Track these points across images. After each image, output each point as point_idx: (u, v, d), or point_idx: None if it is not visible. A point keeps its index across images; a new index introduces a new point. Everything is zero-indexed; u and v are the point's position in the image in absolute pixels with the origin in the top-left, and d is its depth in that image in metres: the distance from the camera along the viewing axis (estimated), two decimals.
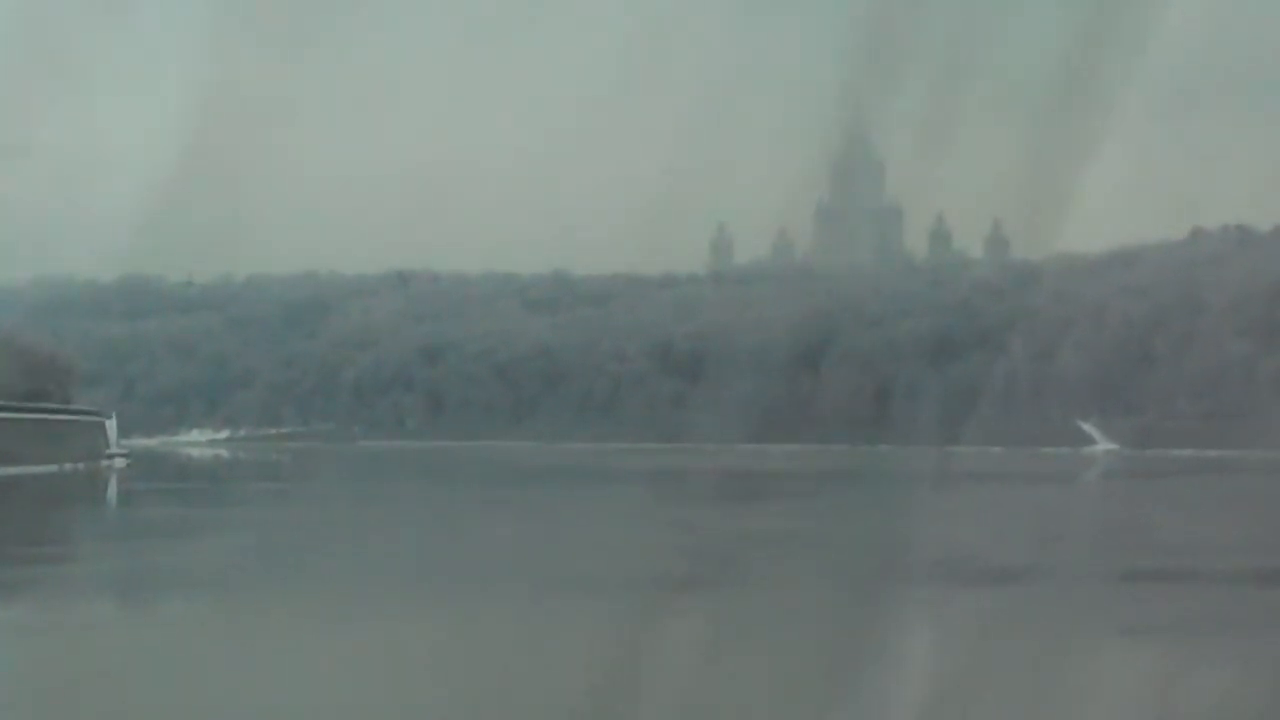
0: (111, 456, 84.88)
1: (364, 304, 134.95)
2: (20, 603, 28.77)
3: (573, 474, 79.49)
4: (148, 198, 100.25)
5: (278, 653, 22.76)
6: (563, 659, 19.83)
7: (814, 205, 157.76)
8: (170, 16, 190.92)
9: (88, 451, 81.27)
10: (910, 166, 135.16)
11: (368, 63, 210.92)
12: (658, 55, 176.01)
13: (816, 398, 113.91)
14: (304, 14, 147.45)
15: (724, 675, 18.44)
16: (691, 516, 46.88)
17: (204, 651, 22.24)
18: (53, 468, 74.72)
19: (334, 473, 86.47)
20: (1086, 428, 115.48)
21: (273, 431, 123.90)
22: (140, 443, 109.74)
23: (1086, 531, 44.42)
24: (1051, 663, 19.96)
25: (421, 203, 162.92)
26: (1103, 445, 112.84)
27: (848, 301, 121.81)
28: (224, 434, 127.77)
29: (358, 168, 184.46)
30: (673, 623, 22.39)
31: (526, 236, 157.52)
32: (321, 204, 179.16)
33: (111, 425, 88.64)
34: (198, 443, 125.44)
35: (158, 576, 33.20)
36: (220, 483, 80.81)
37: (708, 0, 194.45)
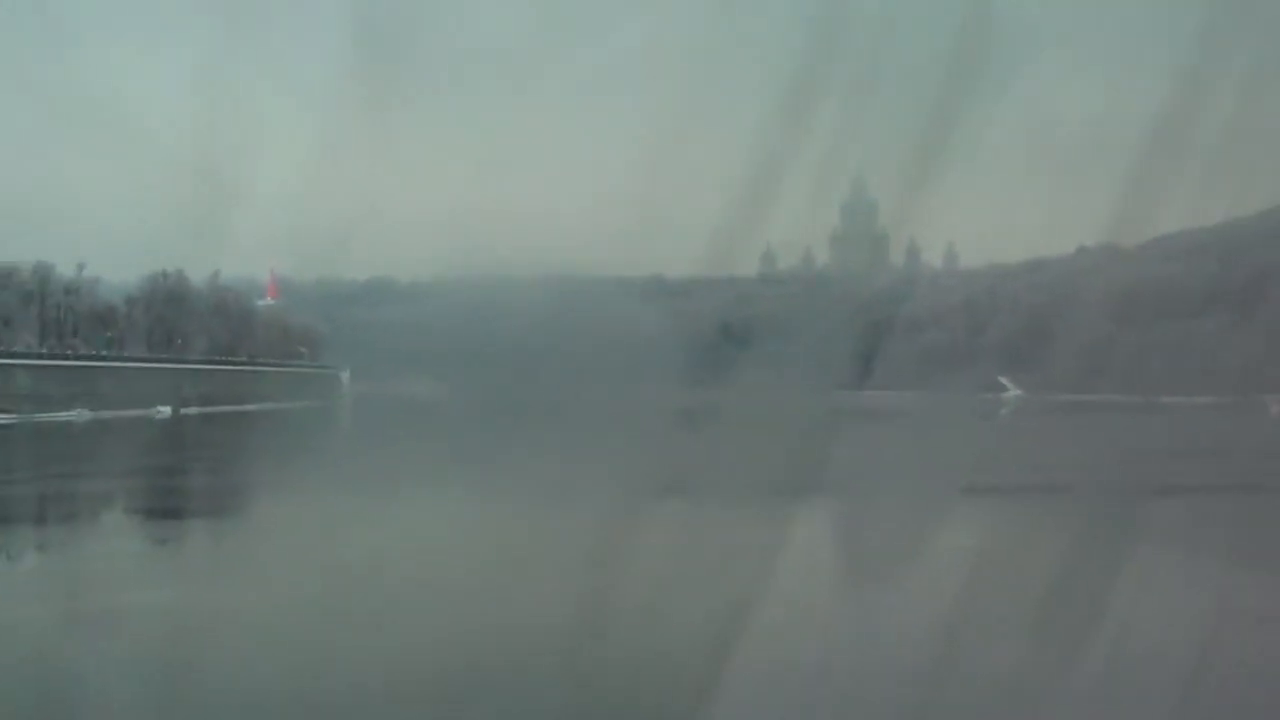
0: (342, 396, 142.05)
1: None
2: (325, 446, 69.00)
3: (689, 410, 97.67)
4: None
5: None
6: None
7: (830, 232, 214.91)
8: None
9: (327, 393, 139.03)
10: (893, 207, 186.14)
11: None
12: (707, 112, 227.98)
13: (830, 360, 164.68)
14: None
15: None
16: None
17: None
18: (302, 403, 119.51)
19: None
20: (1003, 380, 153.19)
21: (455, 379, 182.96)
22: (376, 387, 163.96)
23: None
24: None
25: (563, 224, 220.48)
26: (1013, 391, 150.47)
27: (851, 297, 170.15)
28: (436, 383, 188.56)
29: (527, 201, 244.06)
30: None
31: (635, 249, 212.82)
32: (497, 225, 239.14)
33: (344, 376, 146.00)
34: (419, 388, 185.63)
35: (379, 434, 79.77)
36: (415, 407, 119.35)
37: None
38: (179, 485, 44.43)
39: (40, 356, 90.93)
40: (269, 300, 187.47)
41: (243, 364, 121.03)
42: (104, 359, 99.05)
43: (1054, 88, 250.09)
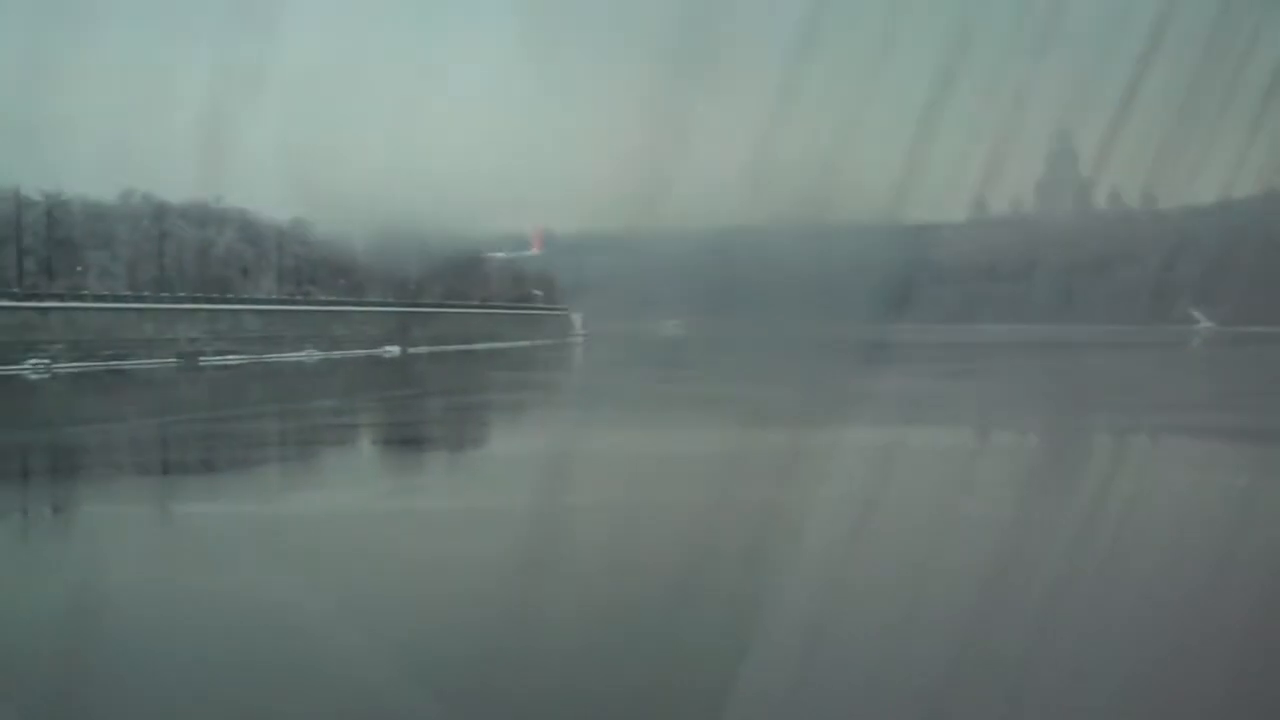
0: (574, 335, 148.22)
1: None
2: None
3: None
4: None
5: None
6: None
7: (1035, 180, 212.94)
8: None
9: (559, 333, 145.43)
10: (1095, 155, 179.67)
11: None
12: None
13: (1032, 295, 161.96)
14: None
15: None
16: None
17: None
18: (535, 342, 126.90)
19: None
20: (1194, 313, 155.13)
21: (704, 318, 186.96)
22: (627, 326, 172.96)
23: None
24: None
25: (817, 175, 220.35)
26: (1204, 324, 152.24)
27: (1055, 237, 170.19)
28: (679, 321, 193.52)
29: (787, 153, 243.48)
30: None
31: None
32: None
33: (576, 317, 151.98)
34: (668, 326, 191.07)
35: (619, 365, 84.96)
36: (640, 344, 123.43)
37: None
38: (412, 409, 50.95)
39: (271, 302, 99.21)
40: (534, 251, 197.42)
41: (471, 308, 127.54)
42: (332, 303, 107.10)
43: (1245, 29, 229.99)
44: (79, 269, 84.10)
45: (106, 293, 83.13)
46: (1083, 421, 40.21)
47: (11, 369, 69.21)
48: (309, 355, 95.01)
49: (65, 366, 71.31)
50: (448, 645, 11.94)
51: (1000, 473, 26.21)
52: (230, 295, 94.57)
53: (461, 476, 28.26)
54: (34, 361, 70.64)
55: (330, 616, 12.65)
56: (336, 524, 19.75)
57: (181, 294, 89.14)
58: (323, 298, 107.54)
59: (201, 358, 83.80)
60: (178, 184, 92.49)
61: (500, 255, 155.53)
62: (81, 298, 79.83)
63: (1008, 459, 30.14)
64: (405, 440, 37.54)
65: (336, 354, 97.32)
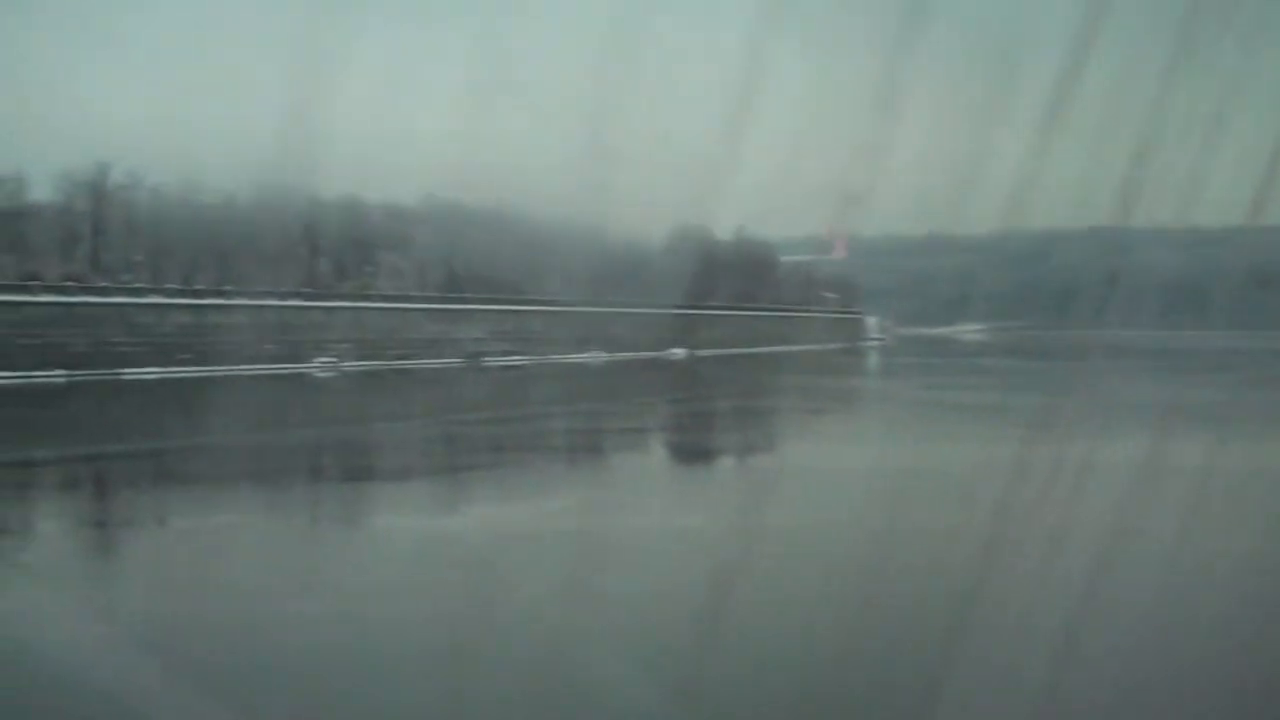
0: (867, 339, 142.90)
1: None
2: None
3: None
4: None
5: None
6: None
7: None
8: None
9: (851, 336, 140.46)
10: None
11: None
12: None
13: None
14: None
15: None
16: None
17: None
18: (825, 346, 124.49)
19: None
20: None
21: (1005, 324, 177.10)
22: (923, 331, 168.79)
23: None
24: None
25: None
26: None
27: None
28: (979, 326, 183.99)
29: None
30: None
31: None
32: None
33: (871, 321, 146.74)
34: (967, 330, 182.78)
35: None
36: (936, 349, 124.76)
37: None
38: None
39: (557, 303, 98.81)
40: (837, 255, 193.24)
41: (759, 310, 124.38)
42: (619, 305, 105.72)
43: None
44: (369, 270, 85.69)
45: (394, 293, 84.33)
46: None
47: (300, 367, 70.67)
48: (594, 357, 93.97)
49: (352, 365, 72.26)
50: None
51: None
52: (516, 296, 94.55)
53: (771, 492, 26.08)
54: (322, 360, 72.02)
55: None
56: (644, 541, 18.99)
57: (467, 294, 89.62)
58: (610, 300, 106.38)
59: (485, 358, 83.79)
60: (473, 187, 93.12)
61: (802, 259, 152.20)
62: (369, 298, 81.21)
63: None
64: (698, 450, 36.93)
65: (621, 356, 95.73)
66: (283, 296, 76.73)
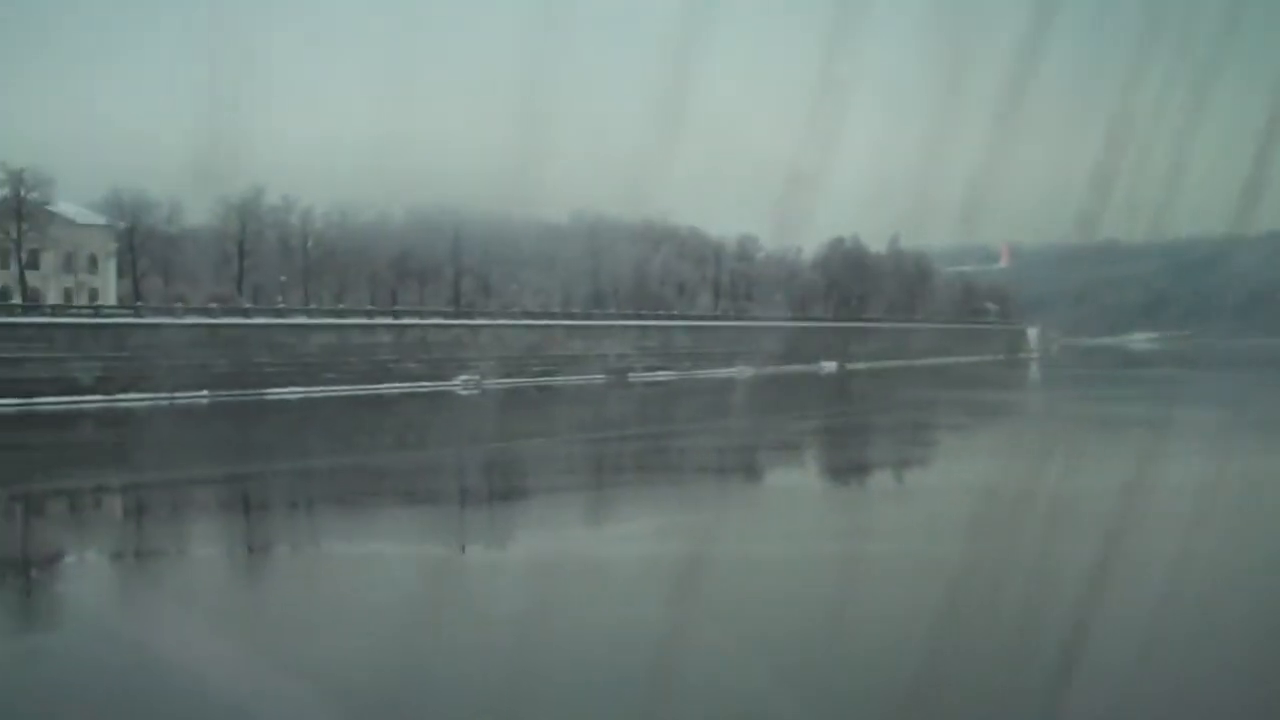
0: (1027, 351, 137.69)
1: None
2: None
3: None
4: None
5: None
6: None
7: None
8: None
9: (1011, 348, 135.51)
10: None
11: None
12: None
13: None
14: None
15: None
16: None
17: None
18: (983, 358, 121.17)
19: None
20: None
21: (1178, 333, 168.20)
22: (1090, 342, 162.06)
23: None
24: None
25: None
26: None
27: None
28: (1152, 335, 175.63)
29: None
30: None
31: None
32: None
33: (1032, 332, 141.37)
34: (1136, 340, 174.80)
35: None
36: (1099, 360, 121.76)
37: None
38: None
39: (702, 318, 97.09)
40: (1001, 265, 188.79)
41: (915, 322, 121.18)
42: (767, 319, 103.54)
43: None
44: (514, 287, 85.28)
45: (538, 309, 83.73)
46: None
47: (443, 385, 70.35)
48: (740, 371, 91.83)
49: (493, 382, 71.56)
50: None
51: None
52: (662, 312, 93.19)
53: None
54: (464, 378, 71.59)
55: None
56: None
57: (612, 310, 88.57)
58: (758, 314, 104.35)
59: (630, 374, 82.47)
60: (628, 202, 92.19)
61: (965, 269, 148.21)
62: (512, 315, 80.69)
63: None
64: (851, 466, 36.09)
65: (769, 370, 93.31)
66: (425, 315, 76.81)
